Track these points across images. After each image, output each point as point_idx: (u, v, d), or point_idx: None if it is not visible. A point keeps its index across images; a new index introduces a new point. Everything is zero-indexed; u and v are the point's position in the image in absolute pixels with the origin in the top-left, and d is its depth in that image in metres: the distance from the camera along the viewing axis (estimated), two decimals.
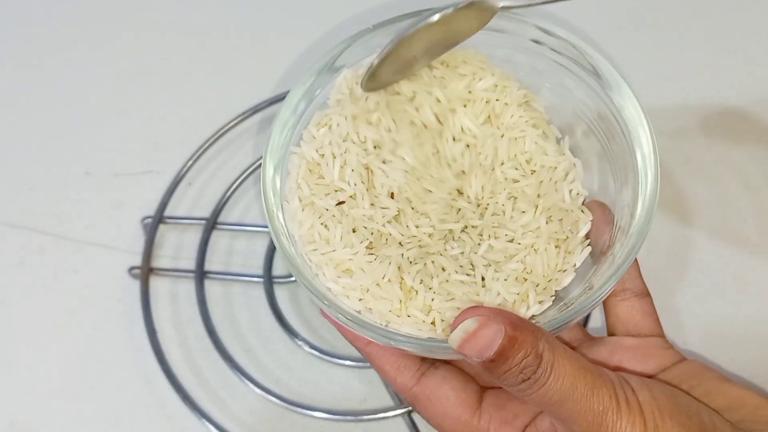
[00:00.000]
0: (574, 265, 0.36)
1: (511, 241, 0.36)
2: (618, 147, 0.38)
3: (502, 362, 0.30)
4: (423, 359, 0.36)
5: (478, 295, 0.35)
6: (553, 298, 0.35)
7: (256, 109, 0.52)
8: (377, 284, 0.35)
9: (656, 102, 0.51)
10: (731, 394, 0.33)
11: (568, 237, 0.36)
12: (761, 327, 0.44)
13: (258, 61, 0.55)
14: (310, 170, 0.37)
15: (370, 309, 0.35)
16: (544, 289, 0.35)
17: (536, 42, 0.39)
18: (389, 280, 0.35)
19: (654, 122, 0.36)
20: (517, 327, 0.30)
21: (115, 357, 0.45)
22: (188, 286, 0.46)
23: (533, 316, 0.34)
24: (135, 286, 0.47)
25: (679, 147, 0.49)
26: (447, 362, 0.37)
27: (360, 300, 0.35)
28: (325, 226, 0.36)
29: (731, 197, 0.48)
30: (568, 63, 0.39)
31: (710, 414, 0.32)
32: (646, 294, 0.38)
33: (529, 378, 0.30)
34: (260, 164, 0.37)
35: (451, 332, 0.31)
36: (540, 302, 0.35)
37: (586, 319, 0.44)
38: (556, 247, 0.36)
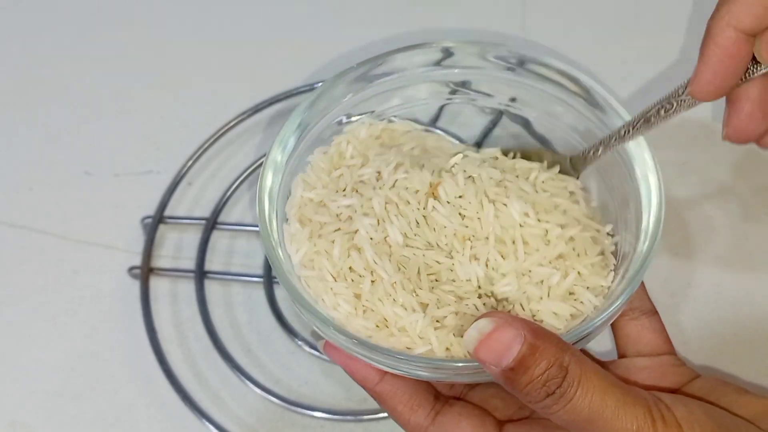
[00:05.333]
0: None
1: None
2: (615, 168, 0.37)
3: (522, 372, 0.28)
4: (437, 397, 0.35)
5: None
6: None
7: (256, 109, 0.52)
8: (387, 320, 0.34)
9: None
10: (754, 405, 0.32)
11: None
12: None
13: (258, 61, 0.55)
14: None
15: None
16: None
17: (517, 67, 0.38)
18: (403, 305, 0.33)
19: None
20: (539, 335, 0.29)
21: (115, 357, 0.45)
22: (188, 286, 0.46)
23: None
24: (135, 286, 0.47)
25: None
26: (462, 398, 0.36)
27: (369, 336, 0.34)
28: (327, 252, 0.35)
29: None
30: (553, 89, 0.38)
31: (747, 426, 0.31)
32: (654, 312, 0.37)
33: (553, 392, 0.28)
34: (260, 164, 0.36)
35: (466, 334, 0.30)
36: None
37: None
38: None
